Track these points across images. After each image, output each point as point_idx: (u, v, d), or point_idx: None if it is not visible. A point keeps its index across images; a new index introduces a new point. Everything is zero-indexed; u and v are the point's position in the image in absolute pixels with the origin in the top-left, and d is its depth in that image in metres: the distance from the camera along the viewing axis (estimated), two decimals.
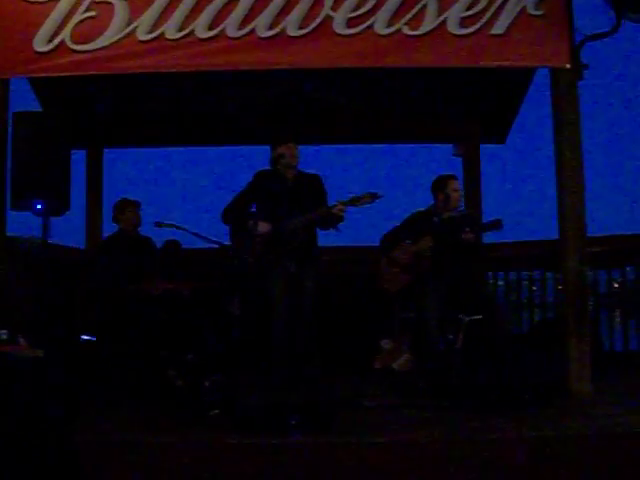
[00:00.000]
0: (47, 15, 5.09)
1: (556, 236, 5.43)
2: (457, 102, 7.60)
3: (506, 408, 4.58)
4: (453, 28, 5.14)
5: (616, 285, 7.20)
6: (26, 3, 5.12)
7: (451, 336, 5.41)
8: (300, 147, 5.76)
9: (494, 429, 4.17)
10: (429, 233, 5.60)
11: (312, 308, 5.48)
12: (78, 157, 7.11)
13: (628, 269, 6.93)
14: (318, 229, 5.64)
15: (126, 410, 4.74)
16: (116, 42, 5.11)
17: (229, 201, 5.69)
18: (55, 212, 5.37)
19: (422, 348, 5.54)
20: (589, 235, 5.31)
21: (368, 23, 5.14)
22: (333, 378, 5.38)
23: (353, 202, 5.40)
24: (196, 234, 5.59)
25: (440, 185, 5.74)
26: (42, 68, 5.17)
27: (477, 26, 5.13)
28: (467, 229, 5.33)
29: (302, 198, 5.53)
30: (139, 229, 6.47)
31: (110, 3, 5.11)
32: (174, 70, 5.29)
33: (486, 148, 8.16)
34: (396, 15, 5.13)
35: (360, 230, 7.33)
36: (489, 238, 6.14)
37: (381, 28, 5.14)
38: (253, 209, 5.68)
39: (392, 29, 5.14)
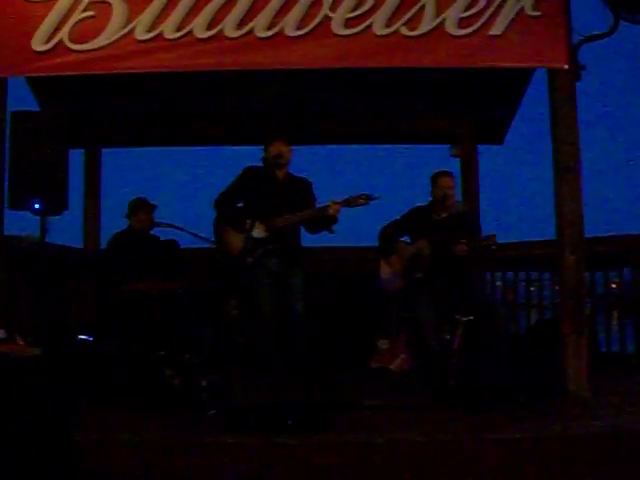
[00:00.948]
0: (45, 15, 5.09)
1: (553, 237, 5.43)
2: (455, 103, 7.61)
3: (503, 409, 4.59)
4: (451, 29, 5.14)
5: (613, 286, 7.21)
6: (24, 3, 5.12)
7: (448, 336, 5.41)
8: (296, 148, 5.77)
9: (491, 429, 4.18)
10: (426, 235, 5.60)
11: (301, 307, 5.48)
12: (76, 156, 7.10)
13: (625, 270, 6.94)
14: (310, 232, 5.62)
15: (123, 410, 4.74)
16: (114, 42, 5.10)
17: (219, 196, 5.66)
18: (53, 211, 5.37)
19: (419, 348, 5.53)
20: (586, 236, 5.32)
21: (366, 24, 5.14)
22: (330, 378, 5.38)
23: (347, 203, 5.39)
24: (193, 234, 5.60)
25: (432, 182, 5.74)
26: (40, 68, 5.17)
27: (475, 27, 5.14)
28: (462, 241, 5.31)
29: (292, 198, 5.53)
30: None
31: (108, 3, 5.11)
32: (172, 70, 5.30)
33: (484, 148, 8.19)
34: (394, 16, 5.14)
35: (358, 230, 7.34)
36: None
37: (379, 29, 5.14)
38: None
39: (390, 30, 5.14)
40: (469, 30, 5.14)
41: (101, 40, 5.10)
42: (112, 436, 4.07)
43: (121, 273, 5.91)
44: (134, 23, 5.11)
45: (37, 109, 6.66)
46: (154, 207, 6.26)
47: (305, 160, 5.96)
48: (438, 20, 5.14)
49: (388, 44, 5.17)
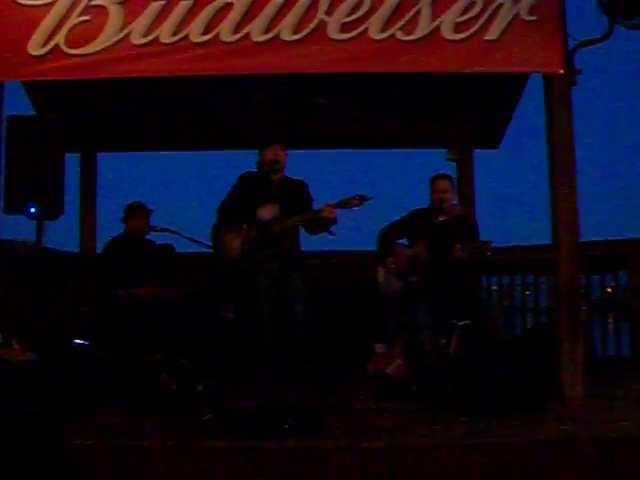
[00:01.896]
0: (41, 19, 5.08)
1: (549, 241, 5.44)
2: (450, 107, 7.61)
3: (499, 413, 4.59)
4: (447, 33, 5.15)
5: (609, 290, 7.22)
6: (21, 7, 5.11)
7: (444, 341, 5.41)
8: (292, 152, 5.77)
9: (487, 434, 4.18)
10: (423, 239, 5.60)
11: (301, 310, 5.48)
12: (72, 161, 7.09)
13: (621, 274, 6.95)
14: (310, 233, 5.63)
15: (119, 414, 4.73)
16: (110, 46, 5.10)
17: (221, 205, 5.68)
18: (49, 216, 5.37)
19: (415, 353, 5.53)
20: (582, 240, 5.33)
21: (362, 28, 5.14)
22: (326, 382, 5.38)
23: (342, 204, 5.40)
24: (190, 238, 5.59)
25: (430, 185, 5.75)
26: (36, 72, 5.16)
27: (471, 31, 5.15)
28: (458, 246, 5.31)
29: (288, 201, 5.53)
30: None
31: (104, 7, 5.11)
32: (168, 74, 5.30)
33: (480, 153, 8.20)
34: (390, 20, 5.15)
35: (354, 234, 7.34)
36: None
37: (375, 33, 5.15)
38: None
39: (386, 34, 5.15)
40: (465, 35, 5.15)
41: (97, 44, 5.10)
42: (108, 441, 4.07)
43: (117, 278, 5.90)
44: (130, 27, 5.11)
45: (32, 113, 6.65)
46: (150, 211, 6.25)
47: (300, 164, 5.96)
48: (434, 25, 5.15)
49: (384, 48, 5.17)
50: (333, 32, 5.15)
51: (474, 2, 5.15)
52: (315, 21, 5.15)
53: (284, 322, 5.48)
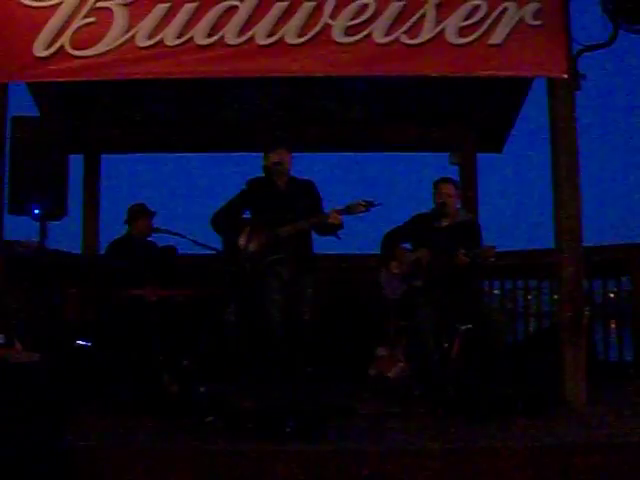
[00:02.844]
0: (47, 20, 5.08)
1: (552, 245, 5.44)
2: (454, 111, 7.62)
3: (501, 417, 4.58)
4: (451, 37, 5.15)
5: (611, 295, 7.21)
6: (26, 8, 5.11)
7: (446, 345, 5.41)
8: (296, 155, 5.77)
9: (489, 438, 4.17)
10: (426, 243, 5.60)
11: (311, 315, 5.48)
12: (75, 162, 7.10)
13: (623, 279, 6.94)
14: (319, 234, 5.63)
15: (120, 416, 4.73)
16: (115, 48, 5.10)
17: (219, 207, 5.69)
18: (52, 217, 5.38)
19: (417, 356, 5.53)
20: (585, 245, 5.32)
21: (367, 31, 5.14)
22: (328, 385, 5.38)
23: (348, 210, 5.40)
24: (192, 240, 5.60)
25: (433, 189, 5.75)
26: (41, 73, 5.16)
27: (475, 36, 5.15)
28: (462, 251, 5.31)
29: (295, 204, 5.53)
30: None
31: (109, 9, 5.11)
32: (172, 77, 5.30)
33: (483, 157, 8.20)
34: (395, 24, 5.14)
35: (357, 238, 7.34)
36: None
37: (380, 36, 5.15)
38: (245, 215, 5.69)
39: (391, 38, 5.15)
40: (469, 39, 5.15)
41: (102, 46, 5.09)
42: (109, 442, 4.07)
43: (119, 279, 5.91)
44: (135, 29, 5.11)
45: (36, 114, 6.66)
46: (153, 213, 6.26)
47: (303, 168, 5.95)
48: (438, 29, 5.15)
49: (388, 52, 5.17)
50: (337, 35, 5.15)
51: (478, 6, 5.15)
52: (320, 24, 5.14)
53: (291, 326, 5.46)
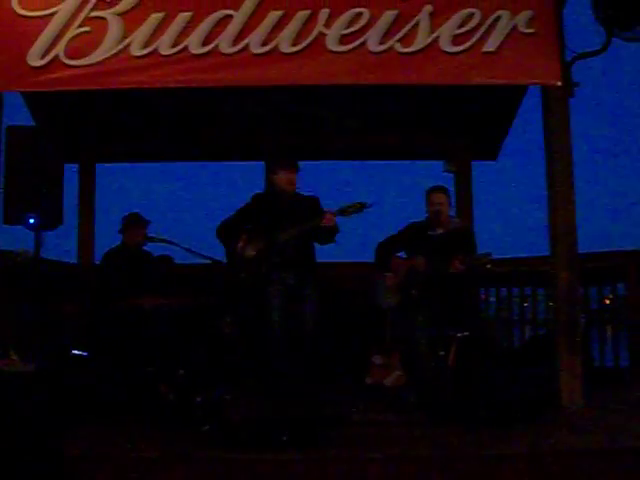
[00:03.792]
0: (41, 30, 5.10)
1: (548, 252, 5.45)
2: (448, 118, 7.63)
3: (497, 424, 4.58)
4: (445, 46, 5.17)
5: (607, 301, 7.21)
6: (21, 18, 5.12)
7: (443, 352, 5.41)
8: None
9: (485, 445, 4.17)
10: (421, 252, 5.60)
11: (316, 320, 5.47)
12: (71, 172, 7.11)
13: (619, 285, 6.95)
14: (319, 243, 5.62)
15: (117, 426, 4.72)
16: (110, 57, 5.11)
17: (226, 218, 5.70)
18: (48, 226, 5.37)
19: (414, 365, 5.53)
20: (580, 251, 5.33)
21: (361, 40, 5.16)
22: (324, 393, 5.37)
23: (342, 212, 5.39)
24: (188, 249, 5.60)
25: (426, 198, 5.75)
26: (36, 83, 5.17)
27: (469, 44, 5.17)
28: (458, 258, 5.31)
29: (299, 219, 5.51)
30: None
31: (104, 19, 5.12)
32: (167, 86, 5.30)
33: (478, 165, 8.21)
34: (389, 33, 5.16)
35: (352, 246, 7.34)
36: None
37: (374, 45, 5.16)
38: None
39: (385, 46, 5.16)
40: (463, 47, 5.17)
41: (97, 56, 5.11)
42: (106, 452, 4.06)
43: (115, 289, 5.90)
44: (130, 39, 5.12)
45: (31, 123, 6.66)
46: (147, 223, 6.26)
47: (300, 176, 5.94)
48: (432, 37, 5.17)
49: (382, 61, 5.19)
50: (332, 44, 5.16)
51: (472, 14, 5.17)
52: (314, 33, 5.16)
53: (293, 335, 5.45)
